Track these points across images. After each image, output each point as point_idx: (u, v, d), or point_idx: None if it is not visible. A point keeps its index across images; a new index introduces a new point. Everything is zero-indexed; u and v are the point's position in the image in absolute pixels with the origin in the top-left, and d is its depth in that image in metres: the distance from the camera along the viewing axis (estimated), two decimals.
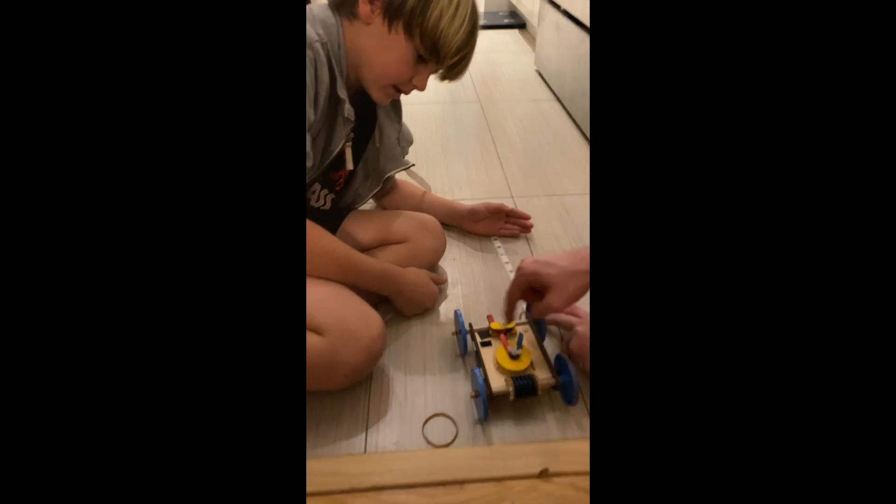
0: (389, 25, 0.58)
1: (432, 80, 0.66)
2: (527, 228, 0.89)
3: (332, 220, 0.76)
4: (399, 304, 0.71)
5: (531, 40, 1.96)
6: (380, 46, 0.59)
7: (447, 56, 0.60)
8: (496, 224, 0.88)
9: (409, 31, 0.58)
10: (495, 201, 0.94)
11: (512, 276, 0.80)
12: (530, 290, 0.58)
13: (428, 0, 0.56)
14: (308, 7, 0.60)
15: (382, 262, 0.68)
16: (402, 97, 0.68)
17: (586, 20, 1.21)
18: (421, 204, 0.88)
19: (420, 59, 0.61)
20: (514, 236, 0.90)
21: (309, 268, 0.60)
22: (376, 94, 0.64)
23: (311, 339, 0.54)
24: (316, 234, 0.60)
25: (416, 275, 0.72)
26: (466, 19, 0.59)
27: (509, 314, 0.61)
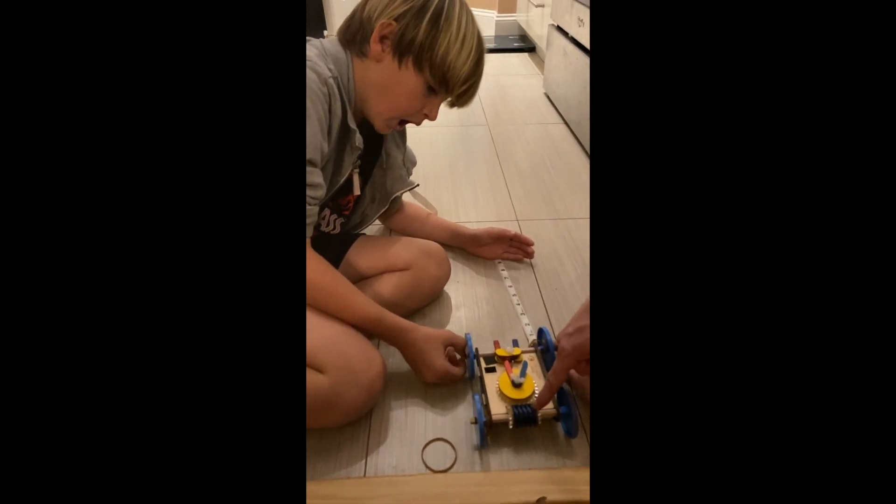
0: (399, 61, 0.60)
1: (442, 106, 0.68)
2: (529, 254, 0.90)
3: (340, 244, 0.78)
4: (402, 354, 0.65)
5: (540, 63, 1.99)
6: (390, 82, 0.61)
7: (456, 86, 0.62)
8: (499, 248, 0.89)
9: (418, 65, 0.60)
10: (501, 224, 0.95)
11: (515, 299, 0.82)
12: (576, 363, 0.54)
13: (436, 35, 0.59)
14: (320, 41, 0.63)
15: (391, 314, 0.62)
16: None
17: None
18: (425, 226, 0.89)
19: (430, 91, 0.63)
20: (518, 260, 0.91)
21: (309, 300, 0.59)
22: (380, 126, 0.66)
23: (313, 378, 0.54)
24: (317, 269, 0.59)
25: (425, 338, 0.63)
26: (473, 49, 0.61)
27: (546, 401, 0.57)
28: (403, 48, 0.59)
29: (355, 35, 0.62)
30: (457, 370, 0.64)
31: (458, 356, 0.65)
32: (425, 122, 0.67)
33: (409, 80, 0.61)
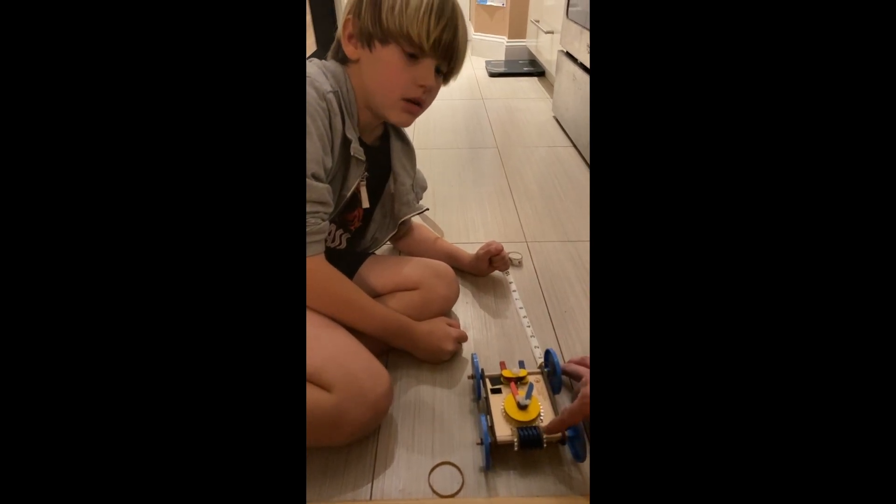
0: (370, 47, 0.62)
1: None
2: (505, 264, 0.90)
3: (351, 263, 0.78)
4: (415, 355, 0.72)
5: (550, 87, 2.02)
6: (374, 69, 0.63)
7: (427, 39, 0.59)
8: (486, 264, 0.89)
9: (383, 39, 0.60)
10: (510, 245, 0.95)
11: (526, 321, 0.81)
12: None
13: (376, 5, 0.59)
14: (322, 62, 0.65)
15: (396, 313, 0.69)
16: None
17: None
18: (430, 250, 0.90)
19: (411, 59, 0.61)
20: (504, 269, 0.91)
21: (324, 310, 0.61)
22: (394, 115, 0.65)
23: (319, 396, 0.54)
24: (333, 280, 0.62)
25: (429, 325, 0.73)
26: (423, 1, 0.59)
27: (554, 430, 0.57)
28: (366, 34, 0.61)
29: (339, 49, 0.65)
30: (463, 332, 0.75)
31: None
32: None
33: (385, 57, 0.61)
